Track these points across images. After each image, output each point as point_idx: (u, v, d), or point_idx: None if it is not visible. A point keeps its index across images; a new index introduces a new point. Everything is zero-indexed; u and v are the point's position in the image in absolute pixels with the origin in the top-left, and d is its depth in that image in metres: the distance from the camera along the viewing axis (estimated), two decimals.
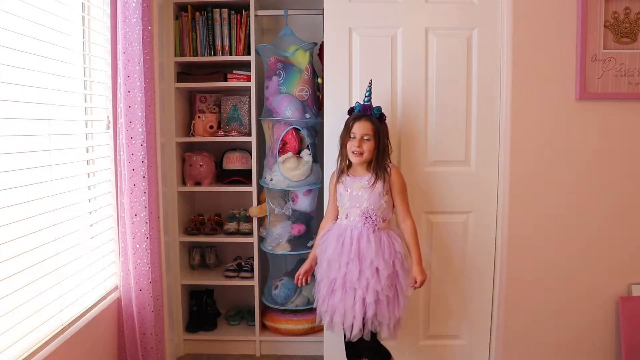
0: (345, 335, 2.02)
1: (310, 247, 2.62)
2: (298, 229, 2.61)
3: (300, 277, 2.14)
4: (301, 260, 2.76)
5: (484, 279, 2.35)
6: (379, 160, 1.99)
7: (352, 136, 1.99)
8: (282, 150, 2.57)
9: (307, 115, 2.54)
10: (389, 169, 2.00)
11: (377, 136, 1.98)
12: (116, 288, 2.22)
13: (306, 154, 2.56)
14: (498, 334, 2.35)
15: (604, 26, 2.19)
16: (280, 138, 2.56)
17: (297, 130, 2.56)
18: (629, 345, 2.24)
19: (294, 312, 2.69)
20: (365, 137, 1.97)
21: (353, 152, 1.98)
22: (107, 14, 2.13)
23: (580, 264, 2.30)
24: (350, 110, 2.07)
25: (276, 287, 2.68)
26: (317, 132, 2.64)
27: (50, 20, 1.79)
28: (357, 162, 2.00)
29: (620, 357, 2.30)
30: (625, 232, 2.28)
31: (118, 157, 2.13)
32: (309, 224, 2.67)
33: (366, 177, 1.99)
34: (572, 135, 2.24)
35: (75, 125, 2.03)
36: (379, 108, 2.03)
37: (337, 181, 2.06)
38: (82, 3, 2.03)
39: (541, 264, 2.30)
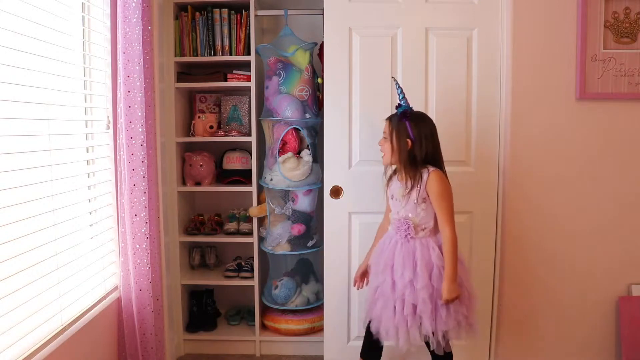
0: (368, 334, 1.96)
1: (311, 247, 2.63)
2: (298, 229, 2.60)
3: (356, 281, 2.07)
4: (301, 260, 2.77)
5: (484, 279, 2.34)
6: (407, 164, 1.83)
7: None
8: (282, 150, 2.57)
9: (307, 115, 2.54)
10: (425, 175, 1.82)
11: (391, 136, 1.86)
12: (116, 288, 2.21)
13: (306, 154, 2.56)
14: (498, 334, 2.35)
15: (604, 26, 2.19)
16: (280, 138, 2.56)
17: (297, 130, 2.56)
18: (629, 345, 2.24)
19: (294, 312, 2.69)
20: (384, 137, 1.90)
21: None
22: (107, 14, 2.13)
23: (580, 264, 2.30)
24: None
25: (276, 287, 2.68)
26: (317, 132, 2.64)
27: (50, 20, 1.79)
28: (383, 164, 1.94)
29: (620, 357, 2.30)
30: (625, 232, 2.28)
31: (118, 157, 2.13)
32: (309, 224, 2.67)
33: (407, 184, 1.85)
34: (572, 135, 2.24)
35: (75, 125, 2.03)
36: (402, 106, 1.90)
37: (387, 184, 1.97)
38: (82, 3, 2.03)
39: (541, 264, 2.30)
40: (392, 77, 2.00)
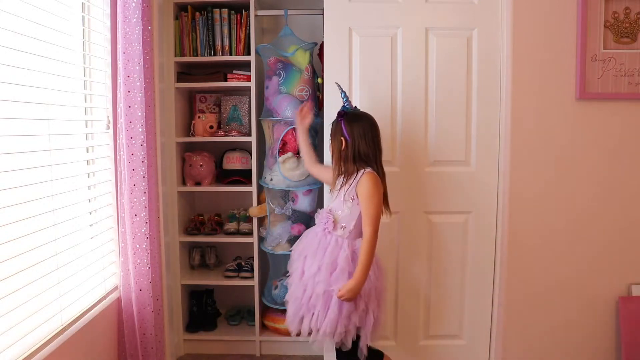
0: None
1: None
2: (298, 229, 2.60)
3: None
4: None
5: (484, 279, 2.35)
6: (341, 162, 1.89)
7: None
8: (282, 150, 2.57)
9: None
10: (360, 174, 1.85)
11: (331, 136, 1.97)
12: (116, 288, 2.21)
13: None
14: (498, 334, 2.35)
15: (604, 26, 2.19)
16: (280, 138, 2.56)
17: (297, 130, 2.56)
18: (629, 345, 2.24)
19: None
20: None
21: None
22: (107, 14, 2.13)
23: (580, 263, 2.30)
24: None
25: (276, 287, 2.68)
26: (317, 132, 2.64)
27: (50, 20, 1.79)
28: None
29: (620, 357, 2.30)
30: (626, 232, 2.28)
31: (118, 157, 2.13)
32: (309, 224, 2.66)
33: (341, 180, 1.91)
34: (572, 135, 2.24)
35: (75, 125, 2.03)
36: (343, 107, 1.99)
37: (336, 176, 1.97)
38: (82, 3, 2.03)
39: (541, 264, 2.30)
40: (336, 83, 2.06)
